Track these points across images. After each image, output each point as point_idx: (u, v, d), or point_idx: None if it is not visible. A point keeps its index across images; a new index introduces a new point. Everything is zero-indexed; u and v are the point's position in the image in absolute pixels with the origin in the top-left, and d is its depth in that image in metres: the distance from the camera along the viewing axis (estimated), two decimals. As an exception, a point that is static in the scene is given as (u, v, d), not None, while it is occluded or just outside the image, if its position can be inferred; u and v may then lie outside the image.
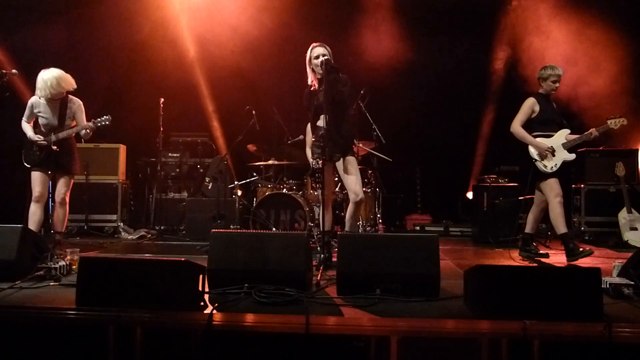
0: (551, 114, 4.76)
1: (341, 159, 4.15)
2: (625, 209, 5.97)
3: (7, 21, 6.60)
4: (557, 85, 4.74)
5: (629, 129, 6.91)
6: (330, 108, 3.93)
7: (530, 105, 4.73)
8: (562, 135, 4.72)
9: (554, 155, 4.64)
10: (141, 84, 7.27)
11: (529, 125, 4.76)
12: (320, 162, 3.97)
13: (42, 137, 4.65)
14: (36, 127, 4.78)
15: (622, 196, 6.04)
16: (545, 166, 4.65)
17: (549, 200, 4.65)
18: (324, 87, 3.94)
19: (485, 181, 6.61)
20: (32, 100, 4.73)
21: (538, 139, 4.69)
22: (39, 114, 4.71)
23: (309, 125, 4.39)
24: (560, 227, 4.59)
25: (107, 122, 4.77)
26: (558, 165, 4.64)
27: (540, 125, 4.73)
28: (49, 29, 7.07)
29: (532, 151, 4.71)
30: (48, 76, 4.57)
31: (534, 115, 4.73)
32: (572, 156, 4.71)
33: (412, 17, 7.29)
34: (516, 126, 4.74)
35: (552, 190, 4.62)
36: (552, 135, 4.72)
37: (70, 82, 4.69)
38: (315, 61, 4.07)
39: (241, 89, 7.39)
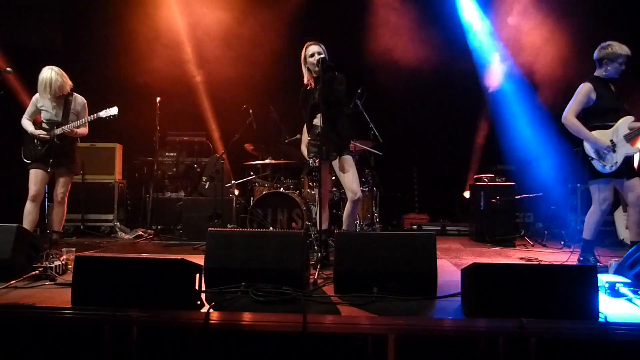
0: (610, 101, 4.09)
1: (337, 157, 4.13)
2: (620, 207, 5.99)
3: (1, 19, 6.56)
4: (624, 68, 4.08)
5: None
6: (326, 107, 3.92)
7: (585, 93, 4.08)
8: (625, 125, 4.03)
9: (614, 152, 4.00)
10: (137, 83, 7.25)
11: (583, 117, 4.14)
12: (317, 160, 3.97)
13: (44, 132, 4.65)
14: (36, 124, 4.78)
15: (617, 195, 6.06)
16: (604, 166, 4.02)
17: (594, 203, 4.13)
18: (320, 86, 3.93)
19: (482, 180, 6.62)
20: (36, 95, 4.77)
21: (595, 133, 4.06)
22: (42, 109, 4.73)
23: (305, 124, 4.38)
24: (587, 233, 4.21)
25: (114, 115, 4.71)
26: (619, 163, 3.98)
27: (596, 116, 4.09)
28: (44, 27, 7.03)
29: (589, 148, 4.09)
30: (49, 75, 4.62)
31: (589, 105, 4.09)
32: (636, 149, 4.02)
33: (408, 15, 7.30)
34: (571, 117, 4.09)
35: (600, 193, 4.08)
36: (611, 126, 4.05)
37: (68, 81, 4.73)
38: (310, 59, 4.04)
39: (238, 87, 7.38)
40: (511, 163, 7.01)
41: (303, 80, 4.24)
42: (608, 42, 4.13)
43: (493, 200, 6.33)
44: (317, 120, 4.07)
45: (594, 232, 4.20)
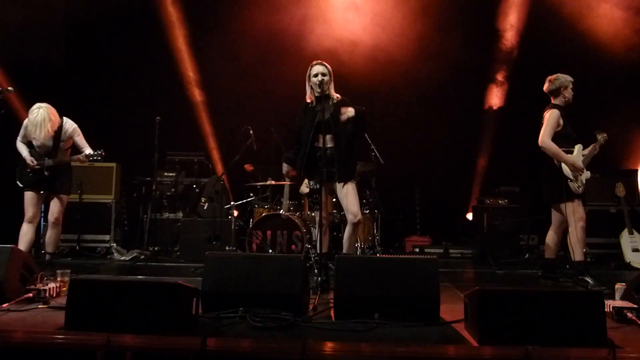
0: (570, 127, 4.39)
1: (339, 181, 4.08)
2: (626, 230, 5.92)
3: (4, 38, 6.60)
4: (573, 93, 4.44)
5: (629, 150, 6.93)
6: (337, 133, 3.95)
7: (557, 118, 4.31)
8: (579, 151, 4.36)
9: (581, 174, 4.32)
10: (137, 102, 7.27)
11: (553, 141, 4.36)
12: (317, 183, 3.95)
13: (35, 161, 4.64)
14: (31, 148, 4.75)
15: (623, 217, 6.00)
16: (578, 187, 4.28)
17: (571, 224, 4.27)
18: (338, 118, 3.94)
19: (485, 202, 6.57)
20: (26, 121, 4.71)
21: (569, 156, 4.32)
22: (32, 138, 4.67)
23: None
24: (578, 254, 4.29)
25: (100, 158, 4.75)
26: (584, 185, 4.31)
27: (562, 140, 4.32)
28: (46, 47, 7.07)
29: (567, 170, 4.29)
30: (41, 117, 4.50)
31: (558, 129, 4.32)
32: (589, 174, 4.38)
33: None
34: (548, 141, 4.27)
35: (576, 212, 4.26)
36: (572, 152, 4.35)
37: (57, 119, 4.68)
38: (314, 79, 4.06)
39: (238, 108, 7.39)
40: (515, 184, 6.95)
41: (305, 99, 4.24)
42: (555, 75, 4.45)
43: (496, 222, 6.27)
44: (320, 142, 4.01)
45: (582, 251, 4.29)
